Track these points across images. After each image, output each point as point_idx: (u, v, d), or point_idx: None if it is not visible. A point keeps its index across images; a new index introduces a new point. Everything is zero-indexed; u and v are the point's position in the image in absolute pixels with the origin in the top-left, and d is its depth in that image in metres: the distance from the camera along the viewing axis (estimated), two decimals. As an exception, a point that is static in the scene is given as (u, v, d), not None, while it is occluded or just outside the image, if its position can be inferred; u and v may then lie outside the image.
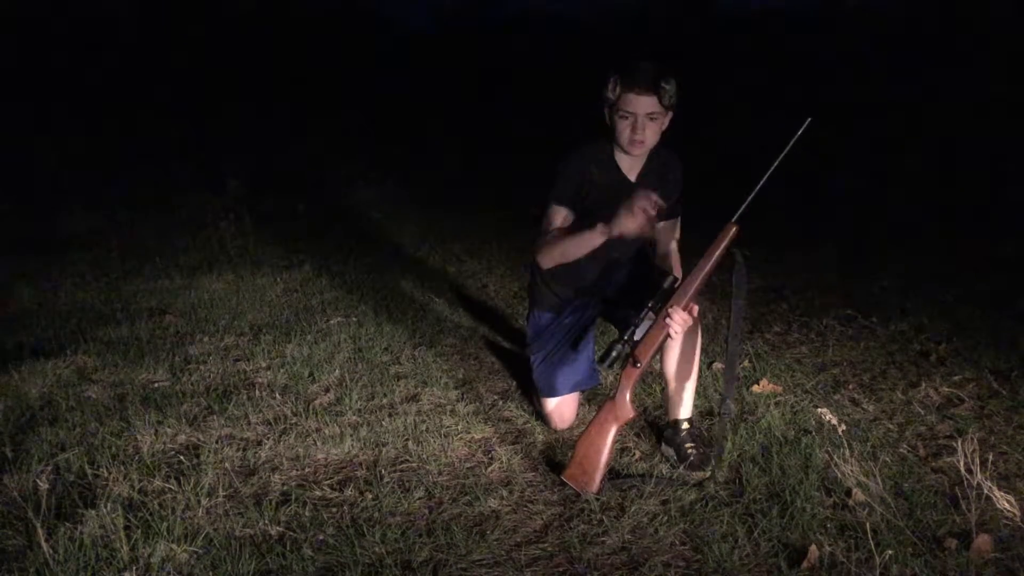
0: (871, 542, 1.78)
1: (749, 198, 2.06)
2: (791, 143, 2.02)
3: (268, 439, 2.44)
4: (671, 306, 2.13)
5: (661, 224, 2.54)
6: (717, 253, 2.10)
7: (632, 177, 2.44)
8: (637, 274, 2.56)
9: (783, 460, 2.26)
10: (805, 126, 2.02)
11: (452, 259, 4.83)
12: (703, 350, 3.10)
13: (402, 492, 2.15)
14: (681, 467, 2.29)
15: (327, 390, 2.84)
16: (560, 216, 2.40)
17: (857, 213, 5.49)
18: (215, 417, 2.58)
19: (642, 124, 2.27)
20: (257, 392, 2.77)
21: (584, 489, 2.14)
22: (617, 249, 2.57)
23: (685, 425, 2.39)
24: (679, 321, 2.13)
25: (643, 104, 2.24)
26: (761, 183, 2.05)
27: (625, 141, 2.31)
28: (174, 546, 1.86)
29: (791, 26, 11.91)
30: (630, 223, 2.12)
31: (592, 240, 2.25)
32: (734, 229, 2.09)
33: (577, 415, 2.61)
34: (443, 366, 3.07)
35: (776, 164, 2.04)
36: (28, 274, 4.34)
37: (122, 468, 2.21)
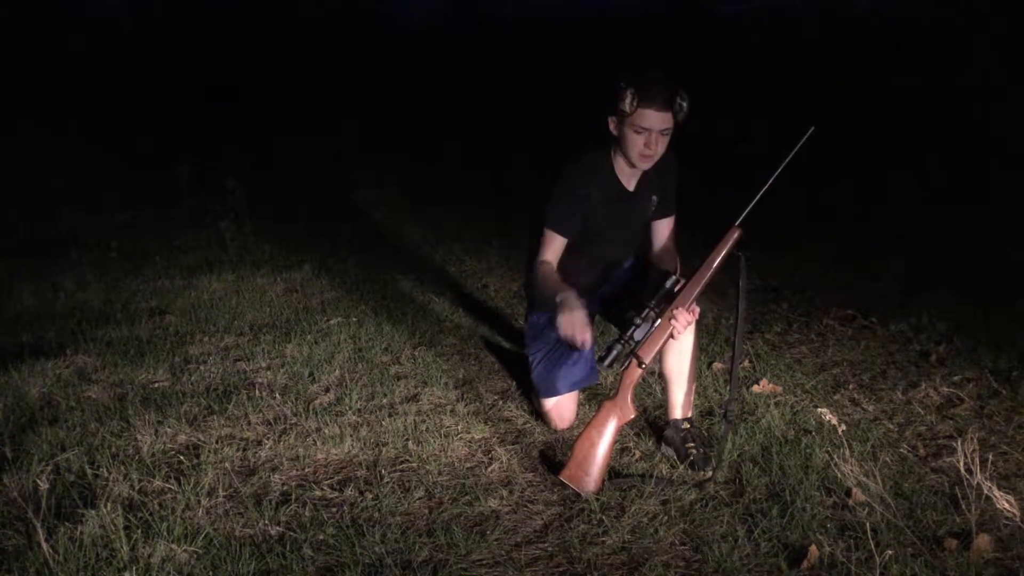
0: (871, 542, 1.78)
1: (752, 203, 2.09)
2: (794, 151, 2.05)
3: (268, 439, 2.44)
4: (676, 307, 2.14)
5: (657, 222, 2.55)
6: (721, 256, 2.13)
7: (631, 187, 2.46)
8: (635, 273, 2.57)
9: (783, 460, 2.26)
10: (808, 134, 2.04)
11: (452, 259, 4.83)
12: (703, 350, 3.13)
13: (402, 492, 2.15)
14: (681, 467, 2.30)
15: (327, 390, 2.84)
16: (555, 242, 2.40)
17: (857, 213, 5.48)
18: (215, 417, 2.58)
19: (656, 140, 2.28)
20: (257, 392, 2.77)
21: (583, 489, 2.14)
22: (614, 251, 2.58)
23: (685, 425, 2.39)
24: (683, 322, 2.15)
25: (659, 121, 2.25)
26: (764, 189, 2.07)
27: (636, 156, 2.32)
28: (174, 546, 1.86)
29: (792, 25, 11.90)
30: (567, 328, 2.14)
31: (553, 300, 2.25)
32: (737, 233, 2.11)
33: (577, 415, 2.61)
34: (443, 366, 3.07)
35: (779, 171, 2.06)
36: (28, 274, 4.34)
37: (122, 468, 2.21)
